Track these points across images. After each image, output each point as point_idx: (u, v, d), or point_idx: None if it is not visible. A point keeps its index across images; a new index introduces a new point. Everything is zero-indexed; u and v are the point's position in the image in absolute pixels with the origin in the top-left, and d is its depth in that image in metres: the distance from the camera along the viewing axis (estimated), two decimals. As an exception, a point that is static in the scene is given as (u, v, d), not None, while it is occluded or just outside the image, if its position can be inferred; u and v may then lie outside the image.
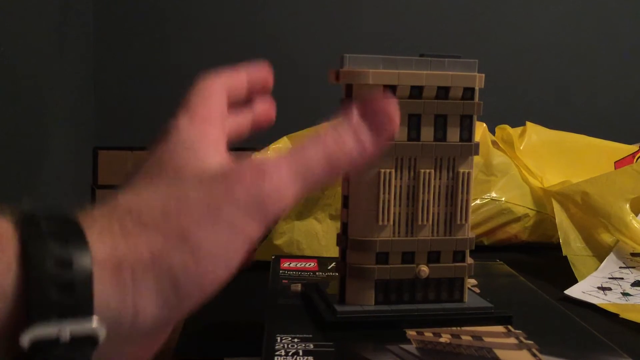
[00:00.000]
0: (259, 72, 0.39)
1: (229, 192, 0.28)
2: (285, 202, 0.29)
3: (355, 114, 0.32)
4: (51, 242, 0.25)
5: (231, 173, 0.29)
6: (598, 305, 0.56)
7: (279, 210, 0.29)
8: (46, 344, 0.25)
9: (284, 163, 0.29)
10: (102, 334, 0.25)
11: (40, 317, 0.24)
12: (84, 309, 0.25)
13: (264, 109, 0.41)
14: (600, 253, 0.68)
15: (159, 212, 0.28)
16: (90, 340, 0.25)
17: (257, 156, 0.29)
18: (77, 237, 0.26)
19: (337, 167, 0.31)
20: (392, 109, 0.33)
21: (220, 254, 0.28)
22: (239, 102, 0.38)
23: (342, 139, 0.31)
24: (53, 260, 0.25)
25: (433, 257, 0.46)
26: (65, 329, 0.25)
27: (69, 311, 0.25)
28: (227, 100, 0.35)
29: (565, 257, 0.66)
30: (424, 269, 0.46)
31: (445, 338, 0.43)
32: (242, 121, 0.39)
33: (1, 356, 0.25)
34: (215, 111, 0.33)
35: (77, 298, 0.25)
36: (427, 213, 0.46)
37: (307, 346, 0.41)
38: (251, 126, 0.40)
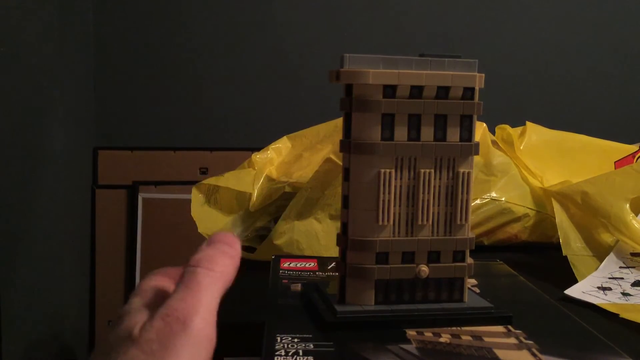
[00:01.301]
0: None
1: (168, 346, 0.32)
2: (212, 328, 0.33)
3: (209, 248, 0.37)
4: None
5: (161, 330, 0.32)
6: (598, 305, 0.56)
7: (212, 339, 0.33)
8: None
9: (194, 303, 0.33)
10: None
11: None
12: None
13: None
14: (600, 253, 0.68)
15: None
16: None
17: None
18: None
19: (226, 281, 0.36)
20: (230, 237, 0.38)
21: None
22: None
23: (218, 263, 0.36)
24: None
25: (433, 257, 0.46)
26: None
27: None
28: (173, 284, 0.38)
29: (565, 257, 0.66)
30: (424, 269, 0.46)
31: (445, 338, 0.43)
32: None
33: None
34: (153, 286, 0.37)
35: None
36: (427, 213, 0.46)
37: (307, 346, 0.41)
38: None
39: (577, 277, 0.63)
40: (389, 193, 0.45)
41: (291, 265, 0.60)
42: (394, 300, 0.46)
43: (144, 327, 0.32)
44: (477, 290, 0.53)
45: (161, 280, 0.38)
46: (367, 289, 0.46)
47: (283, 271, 0.58)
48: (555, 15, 1.73)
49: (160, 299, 0.36)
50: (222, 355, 0.46)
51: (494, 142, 0.83)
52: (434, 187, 0.46)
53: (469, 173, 0.46)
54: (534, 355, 0.41)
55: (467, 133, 0.46)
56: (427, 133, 0.45)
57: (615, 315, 0.54)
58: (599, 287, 0.61)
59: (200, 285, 0.34)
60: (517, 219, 0.76)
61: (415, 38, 1.68)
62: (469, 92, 0.46)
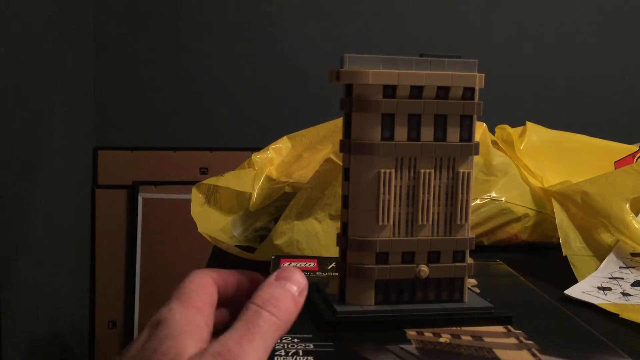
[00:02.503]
0: (249, 278, 0.41)
1: None
2: None
3: (276, 285, 0.37)
4: None
5: None
6: (598, 305, 0.56)
7: None
8: None
9: (249, 349, 0.32)
10: None
11: None
12: None
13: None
14: (600, 253, 0.67)
15: None
16: None
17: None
18: None
19: (286, 329, 0.36)
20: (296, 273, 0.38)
21: None
22: (225, 299, 0.40)
23: (281, 309, 0.35)
24: None
25: (433, 257, 0.46)
26: None
27: None
28: (217, 295, 0.38)
29: (565, 257, 0.66)
30: (424, 269, 0.46)
31: (445, 338, 0.43)
32: (221, 317, 0.41)
33: None
34: (206, 302, 0.36)
35: None
36: (427, 213, 0.46)
37: (307, 346, 0.41)
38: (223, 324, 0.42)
39: (577, 277, 0.63)
40: (389, 193, 0.45)
41: (291, 265, 0.60)
42: (394, 300, 0.46)
43: (192, 359, 0.31)
44: (477, 290, 0.53)
45: (207, 287, 0.37)
46: (367, 289, 0.46)
47: (283, 271, 0.58)
48: (555, 15, 1.73)
49: (207, 316, 0.35)
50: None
51: (494, 142, 0.83)
52: (434, 187, 0.46)
53: (469, 173, 0.46)
54: (534, 355, 0.41)
55: (467, 133, 0.46)
56: (427, 133, 0.45)
57: (615, 315, 0.54)
58: (599, 287, 0.61)
59: (260, 330, 0.33)
60: (517, 219, 0.76)
61: (415, 38, 1.68)
62: (469, 92, 0.46)
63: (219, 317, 0.40)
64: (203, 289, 0.37)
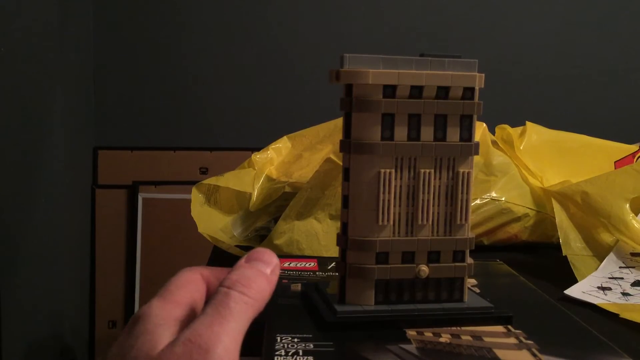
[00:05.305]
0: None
1: None
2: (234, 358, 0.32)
3: (247, 266, 0.36)
4: None
5: (175, 356, 0.31)
6: (598, 305, 0.56)
7: None
8: None
9: (221, 331, 0.32)
10: None
11: None
12: None
13: None
14: (600, 253, 0.67)
15: None
16: None
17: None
18: None
19: (259, 307, 0.35)
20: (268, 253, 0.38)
21: None
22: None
23: (253, 288, 0.35)
24: None
25: (433, 257, 0.46)
26: None
27: None
28: (205, 291, 0.38)
29: (565, 257, 0.66)
30: (424, 269, 0.46)
31: (445, 338, 0.43)
32: None
33: None
34: (189, 297, 0.36)
35: None
36: (427, 213, 0.46)
37: (307, 346, 0.41)
38: None
39: (577, 277, 0.63)
40: (389, 193, 0.45)
41: (291, 265, 0.60)
42: (394, 300, 0.46)
43: (164, 350, 0.31)
44: (477, 290, 0.53)
45: (192, 283, 0.37)
46: (367, 289, 0.46)
47: (283, 271, 0.58)
48: (555, 15, 1.73)
49: (186, 310, 0.35)
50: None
51: (494, 142, 0.83)
52: (434, 187, 0.46)
53: (469, 173, 0.46)
54: (534, 355, 0.41)
55: (467, 133, 0.46)
56: (427, 133, 0.45)
57: (615, 315, 0.54)
58: (599, 287, 0.61)
59: (231, 312, 0.33)
60: (517, 219, 0.76)
61: (416, 38, 1.68)
62: (469, 92, 0.46)
63: None
64: (187, 284, 0.36)
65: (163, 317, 0.34)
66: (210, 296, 0.35)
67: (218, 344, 0.31)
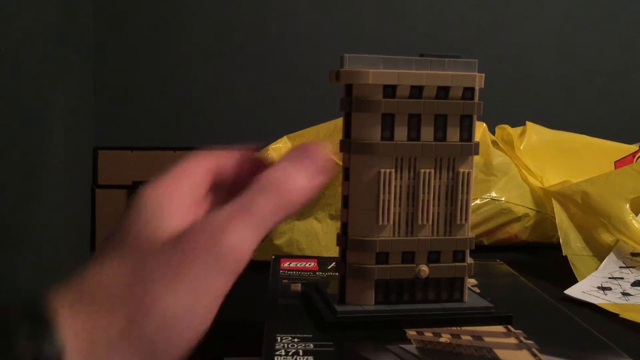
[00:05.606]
0: (249, 157, 0.38)
1: (188, 254, 0.30)
2: (246, 253, 0.31)
3: (293, 159, 0.34)
4: (22, 326, 0.27)
5: (189, 236, 0.30)
6: (598, 305, 0.56)
7: (242, 262, 0.30)
8: None
9: (239, 218, 0.31)
10: None
11: None
12: None
13: None
14: (600, 253, 0.68)
15: (125, 283, 0.30)
16: None
17: (218, 213, 0.31)
18: (48, 320, 0.28)
19: (286, 210, 0.32)
20: (323, 151, 0.35)
21: (190, 312, 0.29)
22: (226, 183, 0.37)
23: (287, 185, 0.33)
24: (23, 343, 0.26)
25: (433, 257, 0.46)
26: None
27: None
28: (208, 178, 0.36)
29: (565, 257, 0.66)
30: (424, 269, 0.46)
31: (445, 338, 0.43)
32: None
33: None
34: (184, 183, 0.34)
35: None
36: (427, 213, 0.46)
37: (307, 346, 0.41)
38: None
39: (577, 277, 0.63)
40: (389, 193, 0.45)
41: (291, 265, 0.60)
42: (394, 300, 0.46)
43: (178, 238, 0.30)
44: (477, 290, 0.53)
45: (195, 170, 0.35)
46: (367, 289, 0.46)
47: (283, 271, 0.58)
48: (555, 15, 1.73)
49: (187, 192, 0.33)
50: (222, 355, 0.46)
51: (494, 142, 0.83)
52: (434, 187, 0.46)
53: (469, 173, 0.46)
54: (534, 355, 0.41)
55: (467, 133, 0.46)
56: (427, 133, 0.45)
57: (615, 315, 0.54)
58: (599, 287, 0.61)
59: (259, 208, 0.31)
60: (517, 219, 0.76)
61: (415, 38, 1.68)
62: (469, 92, 0.46)
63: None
64: (181, 172, 0.35)
65: (158, 203, 0.32)
66: (223, 183, 0.33)
67: (234, 233, 0.30)
